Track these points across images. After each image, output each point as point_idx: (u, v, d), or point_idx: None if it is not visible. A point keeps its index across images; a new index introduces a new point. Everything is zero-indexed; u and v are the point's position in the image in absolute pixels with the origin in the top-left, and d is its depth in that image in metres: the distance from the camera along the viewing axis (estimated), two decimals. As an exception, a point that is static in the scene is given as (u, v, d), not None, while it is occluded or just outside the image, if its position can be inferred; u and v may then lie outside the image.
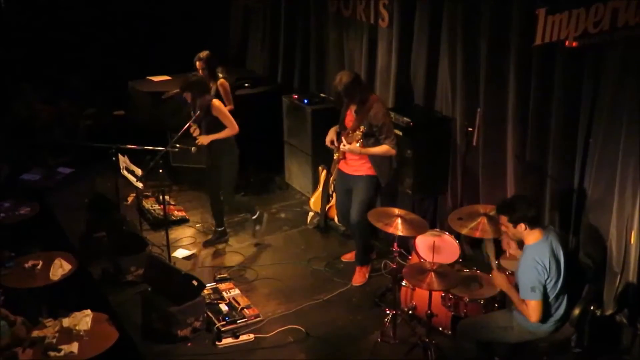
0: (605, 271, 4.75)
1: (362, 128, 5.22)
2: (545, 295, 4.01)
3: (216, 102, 5.98)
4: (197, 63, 6.74)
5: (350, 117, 5.44)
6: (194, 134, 6.01)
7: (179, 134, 5.95)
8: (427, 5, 5.77)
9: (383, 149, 5.30)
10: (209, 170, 6.25)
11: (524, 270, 4.04)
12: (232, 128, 5.97)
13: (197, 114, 5.92)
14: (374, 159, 5.37)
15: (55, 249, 5.72)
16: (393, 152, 5.34)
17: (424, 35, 5.85)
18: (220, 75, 6.83)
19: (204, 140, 5.95)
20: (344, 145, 5.32)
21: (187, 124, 5.91)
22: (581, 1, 4.33)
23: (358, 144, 5.21)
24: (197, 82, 6.06)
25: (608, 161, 4.59)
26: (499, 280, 4.25)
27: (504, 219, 4.07)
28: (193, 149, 6.01)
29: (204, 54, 6.78)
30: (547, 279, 3.99)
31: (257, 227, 6.47)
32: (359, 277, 5.74)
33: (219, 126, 5.94)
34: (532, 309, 4.01)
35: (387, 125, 5.30)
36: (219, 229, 6.46)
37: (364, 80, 6.56)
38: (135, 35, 8.98)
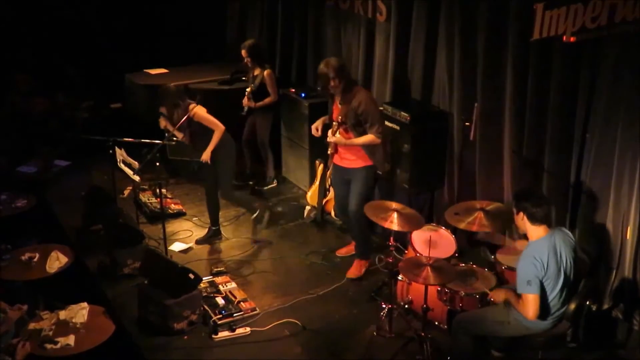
0: (601, 266, 4.77)
1: (339, 119, 5.28)
2: (543, 291, 4.00)
3: (194, 108, 5.76)
4: (242, 52, 6.72)
5: (336, 108, 5.44)
6: (179, 138, 5.87)
7: (176, 126, 5.94)
8: (425, 0, 5.76)
9: (367, 138, 5.29)
10: (203, 166, 6.01)
11: (522, 265, 4.04)
12: (218, 129, 5.82)
13: (179, 123, 5.73)
14: (367, 148, 5.36)
15: (52, 241, 5.73)
16: (378, 141, 5.30)
17: (422, 29, 5.84)
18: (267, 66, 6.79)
19: (206, 156, 5.86)
20: (330, 138, 5.37)
21: (171, 134, 5.83)
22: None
23: (337, 135, 5.30)
24: (165, 92, 5.88)
25: (605, 156, 4.60)
26: (499, 295, 4.31)
27: (514, 203, 4.13)
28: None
29: (247, 42, 6.78)
30: (544, 276, 3.99)
31: (258, 226, 6.42)
32: (355, 270, 5.73)
33: (205, 130, 5.81)
34: (529, 303, 3.98)
35: (372, 113, 5.25)
36: (213, 228, 6.33)
37: (360, 74, 6.58)
38: (133, 28, 8.95)
